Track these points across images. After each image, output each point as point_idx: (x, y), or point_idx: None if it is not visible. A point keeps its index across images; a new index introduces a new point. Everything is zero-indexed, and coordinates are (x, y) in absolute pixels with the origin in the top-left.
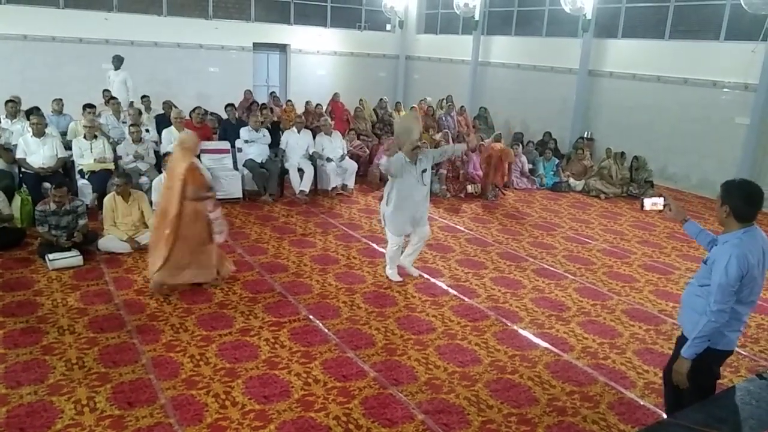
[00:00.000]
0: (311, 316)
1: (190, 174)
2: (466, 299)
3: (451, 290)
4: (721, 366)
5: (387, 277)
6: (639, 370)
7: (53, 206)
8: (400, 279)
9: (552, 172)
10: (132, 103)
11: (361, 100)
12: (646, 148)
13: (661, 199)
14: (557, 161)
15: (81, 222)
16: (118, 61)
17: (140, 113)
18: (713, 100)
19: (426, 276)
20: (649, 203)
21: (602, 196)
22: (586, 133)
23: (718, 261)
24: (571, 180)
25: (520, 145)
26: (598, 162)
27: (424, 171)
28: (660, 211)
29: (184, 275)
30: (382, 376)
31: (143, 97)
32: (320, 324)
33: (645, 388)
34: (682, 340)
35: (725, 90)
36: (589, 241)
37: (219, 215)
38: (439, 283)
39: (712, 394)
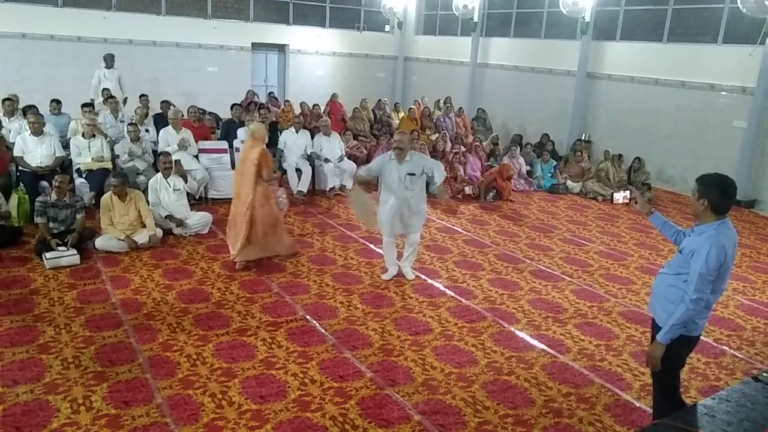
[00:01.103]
0: (308, 317)
1: (264, 158)
2: (463, 300)
3: (448, 291)
4: (689, 353)
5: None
6: (635, 372)
7: (54, 197)
8: (389, 278)
9: (549, 174)
10: (126, 99)
11: (363, 100)
12: (643, 150)
13: (628, 192)
14: (555, 163)
15: (78, 216)
16: (111, 60)
17: (146, 114)
18: (711, 103)
19: (423, 277)
20: (620, 197)
21: (599, 198)
22: (583, 135)
23: (698, 251)
24: (569, 182)
25: (518, 147)
26: (596, 164)
27: (409, 174)
28: (627, 203)
29: (260, 251)
30: (378, 376)
31: (141, 96)
32: (317, 324)
33: (641, 390)
34: (656, 329)
35: (723, 93)
36: (586, 243)
37: (282, 194)
38: (437, 284)
39: (677, 380)
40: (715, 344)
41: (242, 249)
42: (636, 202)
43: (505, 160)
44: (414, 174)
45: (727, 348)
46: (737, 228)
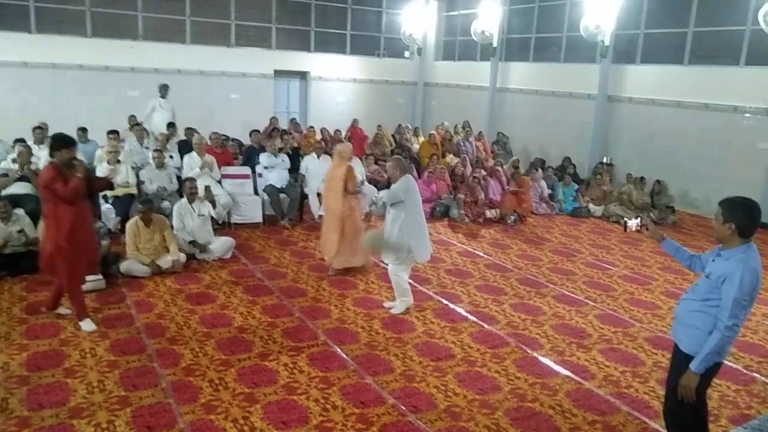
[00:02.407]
0: (330, 341)
1: (349, 174)
2: (486, 326)
3: (470, 316)
4: (713, 379)
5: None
6: (662, 399)
7: None
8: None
9: (571, 198)
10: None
11: (379, 126)
12: (666, 173)
13: (639, 219)
14: (576, 187)
15: (104, 242)
16: (165, 90)
17: (168, 139)
18: (734, 125)
19: (445, 302)
20: (633, 224)
21: (622, 221)
22: (605, 158)
23: (729, 276)
24: (591, 205)
25: (540, 170)
26: (618, 187)
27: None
28: (639, 230)
29: (348, 260)
30: (400, 402)
31: (169, 124)
32: (338, 349)
33: None
34: (678, 355)
35: (746, 115)
36: (610, 267)
37: (370, 205)
38: (458, 309)
39: (705, 406)
40: (745, 371)
41: (337, 256)
42: (647, 229)
43: None
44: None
45: (758, 375)
46: (762, 251)
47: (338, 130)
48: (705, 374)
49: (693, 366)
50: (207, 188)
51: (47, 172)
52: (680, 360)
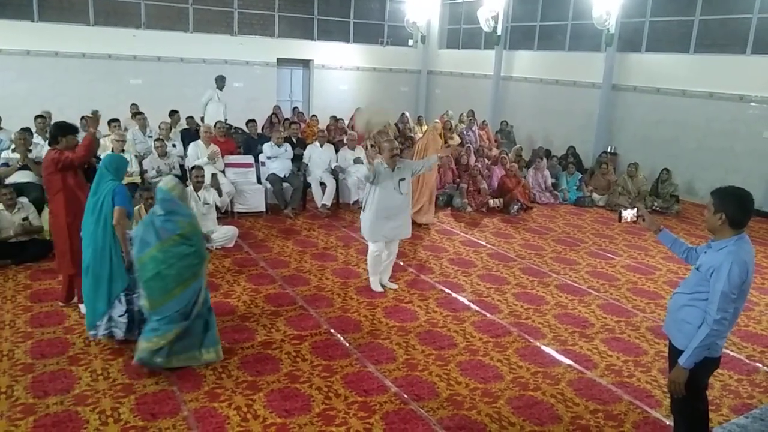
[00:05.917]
0: (332, 330)
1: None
2: (488, 315)
3: (472, 305)
4: (710, 376)
5: (370, 287)
6: (665, 388)
7: None
8: (382, 289)
9: (575, 187)
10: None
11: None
12: (671, 162)
13: (635, 210)
14: (580, 176)
15: None
16: (222, 82)
17: (170, 128)
18: (740, 114)
19: (447, 291)
20: (628, 215)
21: (616, 211)
22: (609, 147)
23: (718, 269)
24: (594, 195)
25: (544, 159)
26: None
27: (401, 179)
28: (635, 221)
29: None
30: (403, 391)
31: (172, 112)
32: (341, 338)
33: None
34: (673, 350)
35: (752, 104)
36: (613, 256)
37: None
38: (461, 299)
39: (705, 404)
40: (747, 361)
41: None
42: (644, 220)
43: (529, 173)
44: (405, 178)
45: (761, 365)
46: (763, 240)
47: (341, 119)
48: (700, 371)
49: (681, 360)
50: (213, 176)
51: (51, 154)
52: (676, 355)
